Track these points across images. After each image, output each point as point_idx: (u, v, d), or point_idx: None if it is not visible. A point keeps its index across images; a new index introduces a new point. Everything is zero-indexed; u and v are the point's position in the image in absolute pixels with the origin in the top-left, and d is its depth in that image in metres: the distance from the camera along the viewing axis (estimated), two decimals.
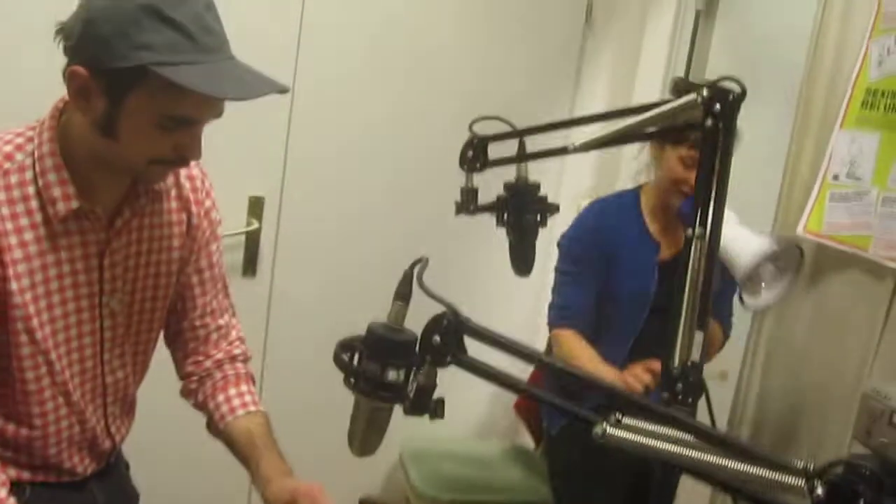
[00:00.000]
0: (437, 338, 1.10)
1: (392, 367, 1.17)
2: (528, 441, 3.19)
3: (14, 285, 1.38)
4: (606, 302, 2.42)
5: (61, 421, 1.53)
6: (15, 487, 1.46)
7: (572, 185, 3.31)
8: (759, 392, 2.38)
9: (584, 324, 2.41)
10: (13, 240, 1.37)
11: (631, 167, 3.23)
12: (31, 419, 1.49)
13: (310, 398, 2.98)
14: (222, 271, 1.73)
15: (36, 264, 1.40)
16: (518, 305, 3.18)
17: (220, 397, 1.68)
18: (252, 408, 1.69)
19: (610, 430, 1.01)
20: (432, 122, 2.95)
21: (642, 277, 2.38)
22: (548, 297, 3.19)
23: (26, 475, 1.54)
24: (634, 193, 2.51)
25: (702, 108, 1.39)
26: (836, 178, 2.28)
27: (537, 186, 1.77)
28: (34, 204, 1.39)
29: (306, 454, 3.02)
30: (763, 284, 2.11)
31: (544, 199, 1.77)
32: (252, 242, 2.81)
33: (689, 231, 1.48)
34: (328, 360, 3.18)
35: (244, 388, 1.71)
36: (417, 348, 1.12)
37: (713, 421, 1.90)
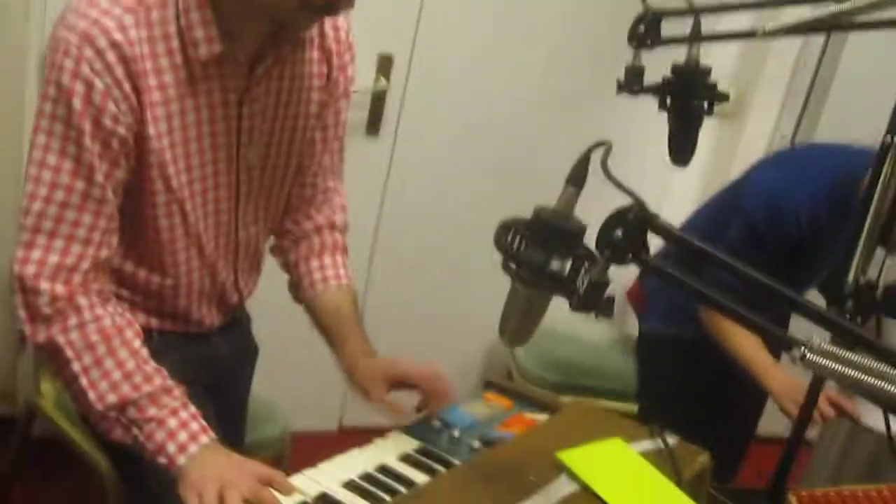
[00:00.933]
0: (618, 232, 1.00)
1: (558, 256, 1.09)
2: (636, 331, 3.11)
3: (151, 129, 1.32)
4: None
5: (193, 273, 1.49)
6: (143, 334, 1.43)
7: None
8: None
9: None
10: (152, 81, 1.29)
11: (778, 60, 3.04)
12: (164, 268, 1.46)
13: (421, 259, 2.94)
14: (344, 132, 1.64)
15: (174, 108, 1.33)
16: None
17: (314, 263, 1.63)
18: (345, 281, 1.63)
19: (810, 355, 0.91)
20: None
21: (819, 273, 2.06)
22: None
23: (154, 322, 1.52)
24: (854, 178, 1.88)
25: None
26: None
27: (708, 71, 1.62)
28: (175, 44, 1.30)
29: (412, 320, 3.02)
30: None
31: (714, 86, 1.62)
32: (378, 101, 2.72)
33: (888, 138, 1.34)
34: (444, 225, 3.12)
35: (339, 258, 1.66)
36: (596, 241, 1.02)
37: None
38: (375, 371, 1.48)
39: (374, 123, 2.74)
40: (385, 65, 2.68)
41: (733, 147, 3.05)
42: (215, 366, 1.64)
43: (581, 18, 2.83)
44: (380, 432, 1.41)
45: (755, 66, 3.09)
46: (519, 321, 1.16)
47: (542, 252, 1.09)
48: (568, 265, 1.10)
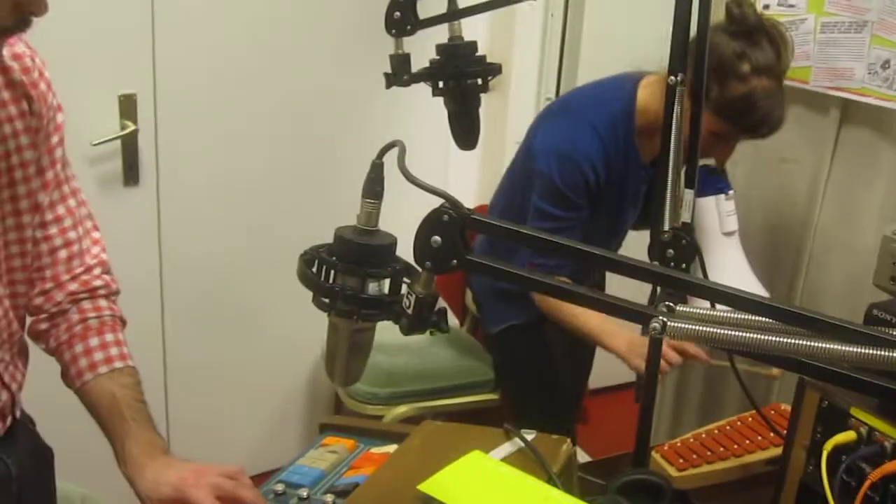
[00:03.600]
0: (437, 238, 0.89)
1: (373, 278, 0.98)
2: (453, 320, 3.05)
3: None
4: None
5: None
6: None
7: None
8: None
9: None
10: None
11: (527, 22, 3.05)
12: None
13: (215, 308, 2.75)
14: (68, 171, 1.41)
15: None
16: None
17: (79, 347, 1.38)
18: (118, 363, 1.38)
19: (670, 322, 0.83)
20: None
21: (626, 212, 2.13)
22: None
23: None
24: (629, 104, 1.99)
25: None
26: (766, 7, 2.14)
27: (475, 45, 1.55)
28: None
29: (220, 373, 2.82)
30: None
31: (484, 59, 1.55)
32: (130, 147, 2.50)
33: (671, 78, 1.30)
34: (231, 262, 2.91)
35: (109, 336, 1.41)
36: (413, 254, 0.91)
37: None
38: (162, 488, 1.23)
39: (131, 172, 2.51)
40: (128, 106, 2.46)
41: (503, 117, 3.03)
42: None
43: (324, 24, 2.70)
44: None
45: (506, 32, 3.08)
46: (347, 359, 1.03)
47: (354, 277, 0.97)
48: (387, 285, 0.99)
